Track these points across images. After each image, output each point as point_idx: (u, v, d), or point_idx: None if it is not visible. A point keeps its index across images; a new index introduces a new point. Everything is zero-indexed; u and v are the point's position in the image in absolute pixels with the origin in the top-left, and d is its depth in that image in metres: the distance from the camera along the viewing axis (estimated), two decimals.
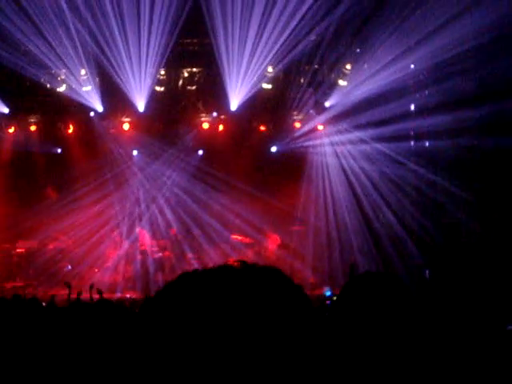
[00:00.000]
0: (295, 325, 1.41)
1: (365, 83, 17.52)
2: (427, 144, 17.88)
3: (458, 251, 16.31)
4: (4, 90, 18.64)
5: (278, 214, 19.00)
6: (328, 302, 13.14)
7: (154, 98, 18.72)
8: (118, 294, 16.79)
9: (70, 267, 18.17)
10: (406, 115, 17.56)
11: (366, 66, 17.70)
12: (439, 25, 15.59)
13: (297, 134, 19.33)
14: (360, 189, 18.63)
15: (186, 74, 18.93)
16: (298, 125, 19.38)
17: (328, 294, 13.54)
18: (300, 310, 1.44)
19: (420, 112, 17.60)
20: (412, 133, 18.09)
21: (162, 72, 18.72)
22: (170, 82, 18.98)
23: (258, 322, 1.38)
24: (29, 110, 19.44)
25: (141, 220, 19.54)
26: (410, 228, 17.68)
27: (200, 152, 20.20)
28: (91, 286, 12.58)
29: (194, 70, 18.89)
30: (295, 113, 19.23)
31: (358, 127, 18.23)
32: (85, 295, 12.20)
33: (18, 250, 18.83)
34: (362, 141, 18.42)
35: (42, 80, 18.48)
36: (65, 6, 16.55)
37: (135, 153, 20.15)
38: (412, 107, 17.83)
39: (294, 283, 1.49)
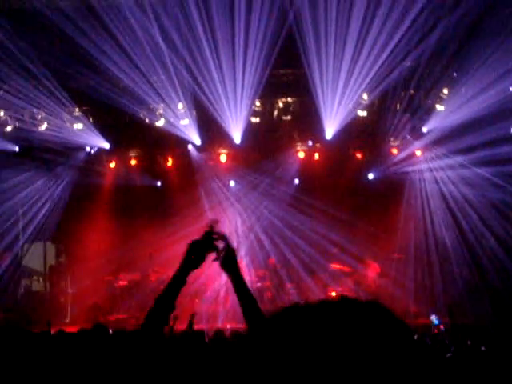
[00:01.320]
0: (396, 359, 1.38)
1: (463, 107, 17.18)
2: None
3: None
4: (105, 126, 19.21)
5: (377, 241, 18.77)
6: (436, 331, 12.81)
7: (249, 129, 18.88)
8: (219, 325, 16.85)
9: None
10: (506, 138, 17.11)
11: (463, 89, 17.36)
12: None
13: (394, 161, 19.12)
14: (461, 215, 18.22)
15: (280, 105, 19.01)
16: (395, 151, 19.18)
17: (436, 322, 13.19)
18: (401, 345, 1.41)
19: None
20: None
21: (257, 103, 18.86)
22: (265, 112, 19.10)
23: (360, 358, 1.36)
24: (129, 144, 19.96)
25: (239, 250, 19.62)
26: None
27: (296, 181, 20.22)
28: (192, 316, 12.69)
29: (289, 99, 18.96)
30: (392, 139, 19.03)
31: (456, 152, 17.87)
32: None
33: (120, 283, 19.22)
34: (462, 165, 18.05)
35: (141, 115, 18.92)
36: (161, 41, 16.90)
37: (232, 184, 20.35)
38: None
39: (395, 317, 1.47)
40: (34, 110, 18.55)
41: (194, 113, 18.81)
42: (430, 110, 18.17)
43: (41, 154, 19.08)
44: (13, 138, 18.70)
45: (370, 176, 19.69)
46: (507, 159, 17.46)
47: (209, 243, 3.80)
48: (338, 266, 18.87)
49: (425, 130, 18.35)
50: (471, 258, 17.80)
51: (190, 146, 19.62)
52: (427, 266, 18.36)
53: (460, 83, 17.35)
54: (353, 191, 19.27)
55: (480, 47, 16.04)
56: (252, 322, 3.60)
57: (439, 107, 18.07)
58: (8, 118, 18.64)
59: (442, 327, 12.83)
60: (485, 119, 16.75)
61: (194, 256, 3.73)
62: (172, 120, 18.80)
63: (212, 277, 18.95)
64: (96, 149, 19.69)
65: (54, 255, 20.69)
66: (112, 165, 20.15)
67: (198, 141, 19.26)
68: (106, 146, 19.44)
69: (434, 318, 13.18)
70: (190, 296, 18.44)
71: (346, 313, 1.44)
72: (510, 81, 16.52)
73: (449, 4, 15.56)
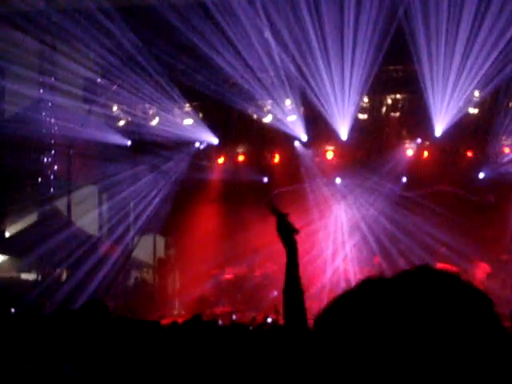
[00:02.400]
0: (476, 333, 1.33)
1: None
2: None
3: None
4: (214, 122, 19.52)
5: (486, 242, 18.28)
6: None
7: (356, 125, 18.77)
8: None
9: (276, 293, 18.47)
10: None
11: None
12: None
13: (505, 159, 18.59)
14: None
15: (389, 101, 18.82)
16: (506, 150, 18.64)
17: None
18: (483, 320, 1.36)
19: None
20: None
21: (365, 99, 18.72)
22: (373, 109, 18.95)
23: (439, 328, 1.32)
24: (237, 140, 20.20)
25: (344, 248, 19.53)
26: None
27: (404, 179, 19.93)
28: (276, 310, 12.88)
29: (398, 96, 18.74)
30: (504, 137, 18.50)
31: None
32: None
33: (226, 276, 19.48)
34: None
35: (249, 111, 19.12)
36: (271, 38, 17.04)
37: (338, 181, 20.27)
38: None
39: (479, 291, 1.41)
40: (146, 105, 19.06)
41: (302, 109, 18.86)
42: None
43: (152, 149, 19.53)
44: (125, 132, 19.26)
45: (481, 175, 19.19)
46: None
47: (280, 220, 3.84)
48: (445, 266, 18.47)
49: None
50: None
51: (296, 143, 19.67)
52: None
53: None
54: (462, 190, 18.85)
55: None
56: (290, 313, 3.52)
57: None
58: (121, 113, 19.24)
59: None
60: None
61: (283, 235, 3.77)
62: (279, 116, 18.91)
63: (316, 274, 18.96)
64: (205, 144, 20.02)
65: (163, 248, 21.20)
66: (220, 160, 20.42)
67: (304, 137, 19.30)
68: (215, 141, 19.74)
69: None
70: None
71: (425, 282, 1.41)
72: None
73: None
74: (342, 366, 1.35)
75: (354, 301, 1.44)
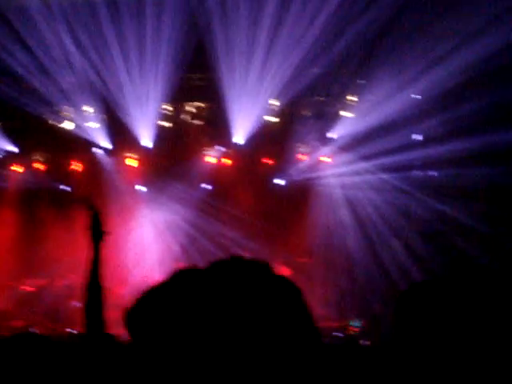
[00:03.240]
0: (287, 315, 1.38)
1: (370, 114, 17.55)
2: (434, 174, 17.90)
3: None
4: (11, 130, 18.77)
5: (287, 246, 18.94)
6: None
7: (160, 133, 18.79)
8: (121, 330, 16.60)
9: (77, 304, 18.01)
10: (413, 145, 17.57)
11: (370, 96, 17.74)
12: (445, 52, 15.67)
13: (302, 167, 19.32)
14: (367, 219, 18.58)
15: (192, 109, 18.98)
16: (303, 157, 19.38)
17: (356, 324, 13.33)
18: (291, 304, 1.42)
19: (426, 141, 17.60)
20: (418, 162, 18.10)
21: (169, 107, 18.77)
22: (176, 117, 19.03)
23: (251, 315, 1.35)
24: (36, 148, 19.52)
25: (148, 255, 19.46)
26: (417, 258, 17.57)
27: (207, 186, 20.17)
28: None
29: (201, 104, 18.95)
30: (300, 145, 19.23)
31: (364, 158, 18.20)
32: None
33: (24, 288, 18.78)
34: (368, 171, 18.40)
35: (48, 118, 18.57)
36: (68, 40, 16.64)
37: (142, 188, 20.14)
38: (418, 137, 17.84)
39: (288, 280, 1.47)
40: None
41: (104, 116, 18.57)
42: (338, 117, 18.46)
43: None
44: None
45: (279, 182, 19.82)
46: (414, 165, 17.96)
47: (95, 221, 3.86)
48: None
49: (333, 136, 18.62)
50: (376, 262, 18.15)
51: (98, 150, 19.33)
52: (334, 269, 18.64)
53: (367, 90, 17.71)
54: (261, 196, 19.42)
55: (387, 54, 16.42)
56: (90, 312, 3.50)
57: (347, 114, 18.38)
58: None
59: (357, 330, 13.00)
60: (392, 125, 17.17)
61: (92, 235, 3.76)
62: (79, 123, 18.50)
63: (117, 283, 18.70)
64: (2, 152, 19.20)
65: None
66: (18, 168, 19.66)
67: (107, 144, 19.03)
68: (15, 149, 19.03)
69: (354, 321, 13.36)
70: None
71: (235, 269, 1.40)
72: (416, 87, 16.93)
73: (357, 10, 15.86)
74: (157, 356, 1.33)
75: (168, 290, 1.41)
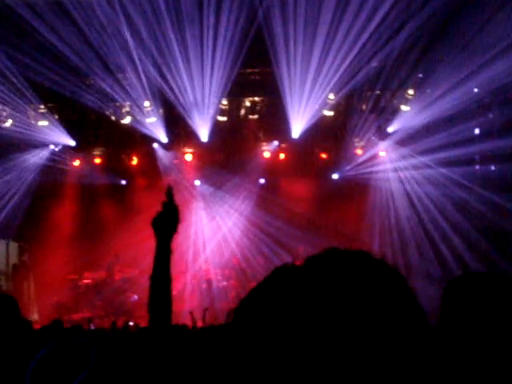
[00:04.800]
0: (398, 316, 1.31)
1: (428, 108, 17.42)
2: (493, 168, 17.71)
3: None
4: (70, 124, 18.99)
5: (343, 238, 18.89)
6: None
7: (216, 127, 18.85)
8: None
9: (136, 297, 18.22)
10: (471, 139, 17.40)
11: (428, 90, 17.61)
12: (505, 47, 15.47)
13: (359, 161, 19.26)
14: (425, 213, 18.44)
15: (247, 104, 19.01)
16: (359, 151, 19.32)
17: None
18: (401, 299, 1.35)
19: (484, 135, 17.42)
20: (477, 157, 17.94)
21: (225, 102, 18.82)
22: (232, 111, 19.09)
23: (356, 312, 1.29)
24: (94, 142, 19.75)
25: (205, 249, 19.58)
26: (476, 254, 17.39)
27: (261, 181, 20.23)
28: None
29: (256, 99, 18.98)
30: (357, 139, 19.17)
31: (421, 152, 18.07)
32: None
33: (84, 281, 19.02)
34: (426, 166, 18.27)
35: (107, 112, 18.77)
36: (130, 39, 16.78)
37: (198, 183, 20.28)
38: (476, 131, 17.66)
39: (389, 266, 1.40)
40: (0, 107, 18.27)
41: (161, 111, 18.71)
42: (396, 111, 18.35)
43: (4, 151, 18.76)
44: None
45: (335, 176, 19.80)
46: (472, 160, 17.79)
47: (170, 209, 3.73)
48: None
49: (390, 130, 18.53)
50: (435, 256, 18.02)
51: (155, 145, 19.50)
52: (392, 263, 18.49)
53: (426, 84, 17.59)
54: (318, 191, 19.40)
55: (445, 48, 16.28)
56: (156, 310, 3.48)
57: (405, 108, 18.26)
58: None
59: None
60: (450, 120, 17.01)
61: (164, 226, 3.66)
62: (138, 118, 18.67)
63: (177, 276, 18.87)
64: (61, 146, 19.47)
65: (17, 254, 20.36)
66: (76, 163, 19.92)
67: (164, 139, 19.17)
68: (72, 143, 19.23)
69: None
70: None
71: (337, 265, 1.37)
72: (474, 82, 16.75)
73: (415, 5, 15.73)
74: (263, 356, 1.31)
75: (271, 289, 1.39)
